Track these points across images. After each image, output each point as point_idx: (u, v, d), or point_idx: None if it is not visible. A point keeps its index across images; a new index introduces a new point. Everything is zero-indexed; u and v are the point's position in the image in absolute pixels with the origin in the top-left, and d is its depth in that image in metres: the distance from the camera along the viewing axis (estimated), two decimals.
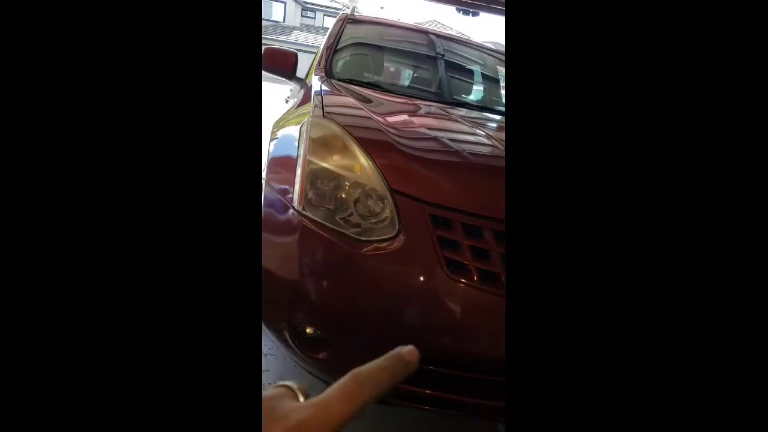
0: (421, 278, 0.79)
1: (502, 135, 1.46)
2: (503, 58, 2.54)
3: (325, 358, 0.86)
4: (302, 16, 19.98)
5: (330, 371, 0.89)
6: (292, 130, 1.08)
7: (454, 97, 2.03)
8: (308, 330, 0.90)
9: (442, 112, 1.54)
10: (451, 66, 2.26)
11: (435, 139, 1.15)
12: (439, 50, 2.30)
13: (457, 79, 2.26)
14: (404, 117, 1.37)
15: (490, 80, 2.42)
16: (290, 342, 0.90)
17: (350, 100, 1.31)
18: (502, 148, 1.19)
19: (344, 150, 0.96)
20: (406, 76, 2.25)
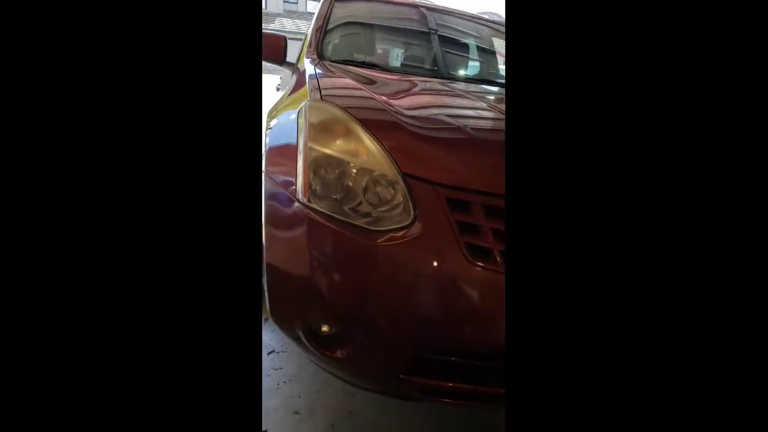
0: (442, 267, 0.74)
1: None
2: (498, 28, 2.45)
3: (344, 357, 0.81)
4: (284, 1, 19.53)
5: (352, 370, 0.84)
6: (290, 117, 1.01)
7: (451, 72, 1.95)
8: (324, 328, 0.85)
9: (445, 88, 1.47)
10: (446, 40, 2.17)
11: (442, 116, 1.08)
12: (432, 25, 2.21)
13: (453, 53, 2.18)
14: (407, 95, 1.30)
15: (486, 52, 2.33)
16: (305, 341, 0.85)
17: (348, 81, 1.23)
18: None
19: (347, 134, 0.89)
20: (400, 54, 2.16)
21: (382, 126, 0.91)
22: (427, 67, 2.00)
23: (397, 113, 0.98)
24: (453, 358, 0.80)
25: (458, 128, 0.99)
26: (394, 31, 2.19)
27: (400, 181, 0.80)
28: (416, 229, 0.75)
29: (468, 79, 1.91)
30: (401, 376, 0.80)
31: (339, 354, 0.82)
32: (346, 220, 0.80)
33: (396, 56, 2.15)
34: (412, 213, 0.77)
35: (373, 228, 0.78)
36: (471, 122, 1.05)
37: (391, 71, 1.71)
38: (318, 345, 0.84)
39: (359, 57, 1.90)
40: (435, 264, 0.74)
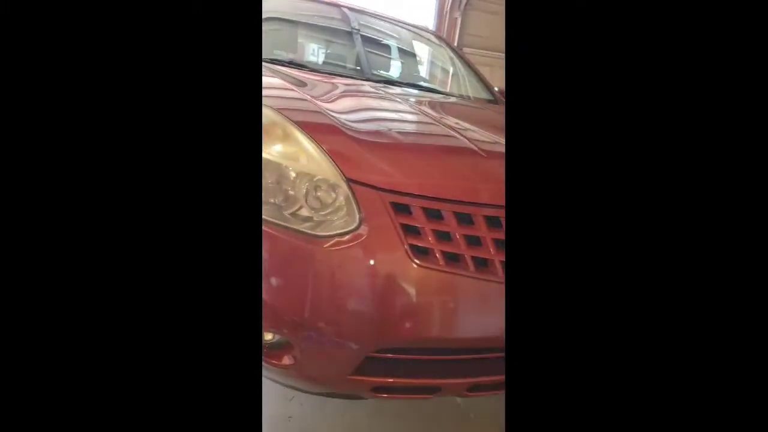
0: (390, 269, 0.77)
1: (445, 114, 1.45)
2: (417, 31, 2.53)
3: (291, 364, 0.81)
4: None
5: (299, 376, 0.83)
6: None
7: (374, 72, 1.98)
8: (267, 336, 0.83)
9: (373, 90, 1.50)
10: (368, 41, 2.20)
11: (378, 120, 1.10)
12: (354, 24, 2.22)
13: (376, 54, 2.21)
14: (339, 97, 1.30)
15: (407, 54, 2.41)
16: None
17: (277, 81, 1.20)
18: (447, 127, 1.18)
19: (285, 137, 0.88)
20: (323, 53, 2.14)
21: (321, 129, 0.91)
22: (350, 66, 2.01)
23: (333, 116, 0.99)
24: (401, 356, 0.83)
25: (394, 132, 1.02)
26: (316, 29, 2.17)
27: (343, 185, 0.81)
28: (363, 232, 0.77)
29: (391, 82, 1.96)
30: (349, 377, 0.82)
31: (286, 361, 0.81)
32: (287, 225, 0.79)
33: (319, 55, 2.14)
34: (358, 217, 0.78)
35: (318, 233, 0.78)
36: (404, 126, 1.09)
37: (315, 71, 1.69)
38: (264, 353, 0.82)
39: (280, 55, 1.85)
40: (383, 266, 0.76)
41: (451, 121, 1.29)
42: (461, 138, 1.05)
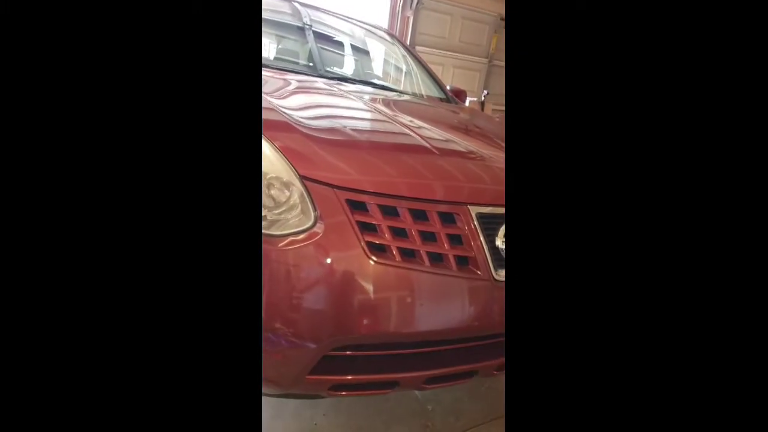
0: (348, 266, 0.76)
1: (399, 112, 1.46)
2: (370, 28, 2.54)
3: None
4: None
5: None
6: None
7: (327, 69, 1.97)
8: None
9: (326, 87, 1.48)
10: (321, 37, 2.17)
11: (331, 117, 1.09)
12: (306, 20, 2.19)
13: (328, 50, 2.19)
14: (291, 94, 1.28)
15: (360, 52, 2.40)
16: None
17: None
18: (401, 125, 1.19)
19: None
20: (274, 48, 2.09)
21: (273, 126, 0.89)
22: (303, 62, 1.98)
23: (286, 113, 0.97)
24: (359, 353, 0.83)
25: (348, 130, 1.02)
26: (267, 24, 2.11)
27: (297, 183, 0.80)
28: (319, 230, 0.76)
29: (345, 79, 1.95)
30: (307, 377, 0.81)
31: None
32: None
33: (271, 51, 2.09)
34: (313, 215, 0.78)
35: (272, 232, 0.77)
36: (359, 123, 1.09)
37: (267, 67, 1.65)
38: None
39: None
40: (340, 264, 0.76)
41: (405, 119, 1.30)
42: (414, 136, 1.07)
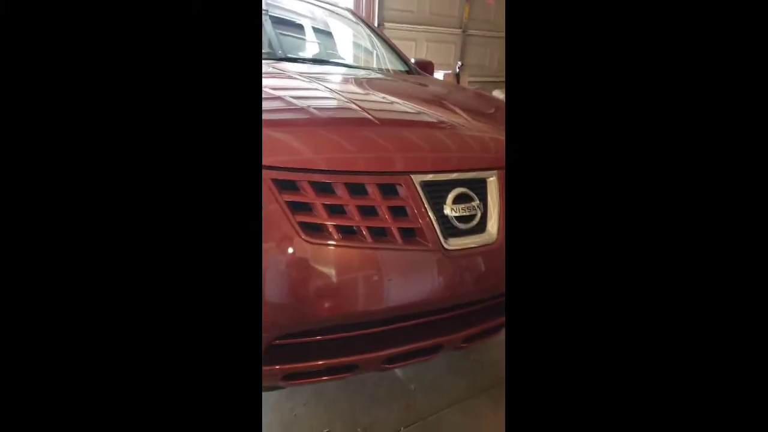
0: (279, 251, 0.72)
1: (347, 87, 1.41)
2: (332, 9, 2.46)
3: None
4: None
5: None
6: None
7: (288, 54, 1.91)
8: None
9: (277, 71, 1.42)
10: (279, 21, 2.10)
11: (277, 98, 1.04)
12: (262, 4, 2.12)
13: (288, 35, 2.12)
14: None
15: (322, 33, 2.33)
16: None
17: None
18: (345, 99, 1.14)
19: None
20: None
21: None
22: (264, 50, 1.92)
23: None
24: (306, 339, 0.80)
25: (291, 109, 0.97)
26: None
27: None
28: None
29: (306, 60, 1.89)
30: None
31: None
32: None
33: None
34: None
35: None
36: (295, 102, 1.03)
37: None
38: None
39: None
40: (272, 249, 0.72)
41: (378, 95, 1.25)
42: (357, 108, 1.02)
